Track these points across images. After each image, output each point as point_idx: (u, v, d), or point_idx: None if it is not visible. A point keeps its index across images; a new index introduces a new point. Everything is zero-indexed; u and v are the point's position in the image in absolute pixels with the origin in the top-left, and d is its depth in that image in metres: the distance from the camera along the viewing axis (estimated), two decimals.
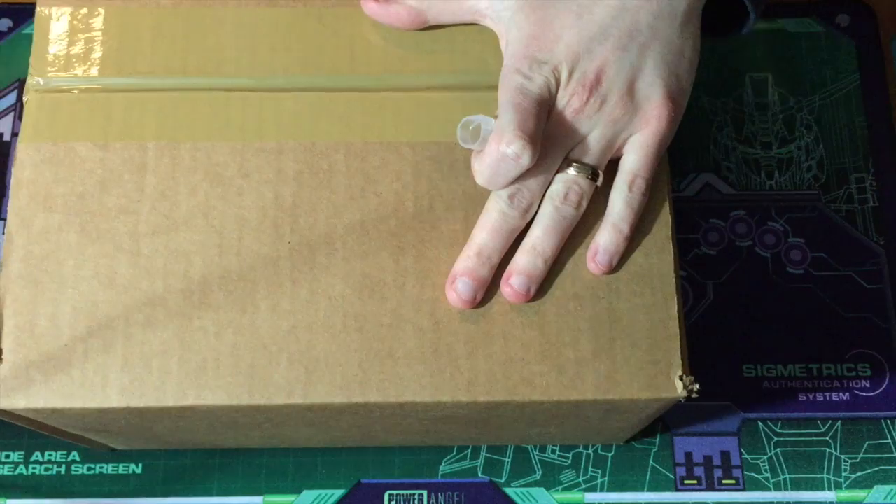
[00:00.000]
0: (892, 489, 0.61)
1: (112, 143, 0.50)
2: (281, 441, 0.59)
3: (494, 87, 0.48)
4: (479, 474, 0.62)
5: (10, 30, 0.71)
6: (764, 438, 0.63)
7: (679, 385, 0.47)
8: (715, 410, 0.63)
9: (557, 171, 0.48)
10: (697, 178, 0.68)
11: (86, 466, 0.62)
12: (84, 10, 0.52)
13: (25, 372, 0.46)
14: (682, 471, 0.62)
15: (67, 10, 0.52)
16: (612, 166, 0.49)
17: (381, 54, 0.52)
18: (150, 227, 0.48)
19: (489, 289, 0.48)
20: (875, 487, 0.62)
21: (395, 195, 0.49)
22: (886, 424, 0.63)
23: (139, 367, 0.46)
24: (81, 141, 0.50)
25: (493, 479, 0.62)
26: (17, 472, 0.62)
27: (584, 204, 0.48)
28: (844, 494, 0.61)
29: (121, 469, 0.62)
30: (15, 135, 0.69)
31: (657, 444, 0.63)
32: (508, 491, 0.62)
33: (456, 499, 0.61)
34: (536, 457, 0.62)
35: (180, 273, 0.48)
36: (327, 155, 0.50)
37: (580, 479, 0.62)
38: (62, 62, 0.51)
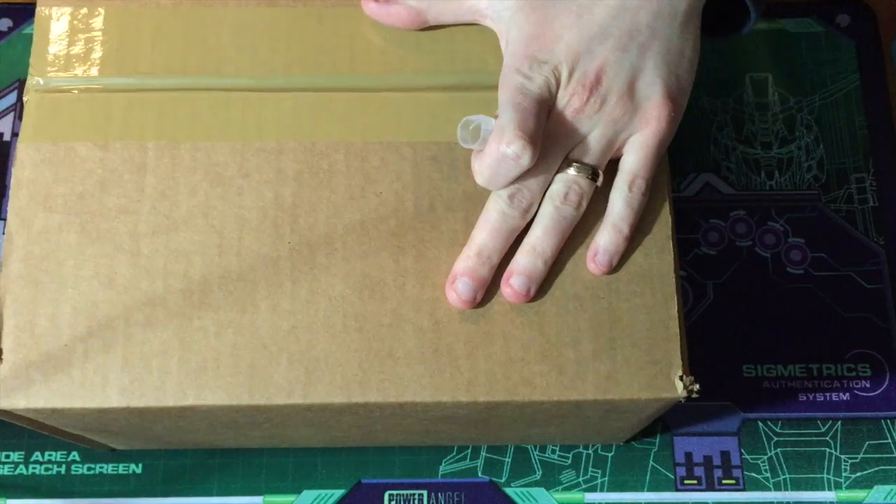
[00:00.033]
0: (892, 489, 0.61)
1: (112, 143, 0.50)
2: (281, 441, 0.59)
3: (494, 87, 0.48)
4: (479, 474, 0.62)
5: (10, 30, 0.71)
6: (764, 438, 0.63)
7: (679, 385, 0.47)
8: (715, 410, 0.63)
9: (557, 171, 0.48)
10: (697, 178, 0.68)
11: (86, 466, 0.62)
12: (84, 10, 0.52)
13: (25, 372, 0.46)
14: (682, 471, 0.62)
15: (67, 10, 0.52)
16: (612, 166, 0.49)
17: (381, 54, 0.52)
18: (150, 227, 0.48)
19: (489, 289, 0.48)
20: (875, 487, 0.62)
21: (395, 195, 0.49)
22: (886, 424, 0.63)
23: (139, 367, 0.46)
24: (81, 141, 0.50)
25: (493, 479, 0.62)
26: (17, 472, 0.62)
27: (585, 204, 0.48)
28: (844, 494, 0.61)
29: (121, 469, 0.62)
30: (15, 135, 0.69)
31: (657, 444, 0.63)
32: (508, 491, 0.62)
33: (456, 499, 0.61)
34: (536, 457, 0.62)
35: (180, 273, 0.48)
36: (327, 155, 0.50)
37: (580, 479, 0.62)
38: (62, 62, 0.51)
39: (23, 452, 0.62)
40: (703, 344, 0.64)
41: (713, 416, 0.63)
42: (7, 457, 0.62)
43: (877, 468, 0.62)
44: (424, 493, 0.61)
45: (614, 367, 0.47)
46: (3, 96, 0.70)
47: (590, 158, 0.48)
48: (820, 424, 0.63)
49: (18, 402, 0.46)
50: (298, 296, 0.47)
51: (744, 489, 0.62)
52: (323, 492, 0.61)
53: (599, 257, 0.48)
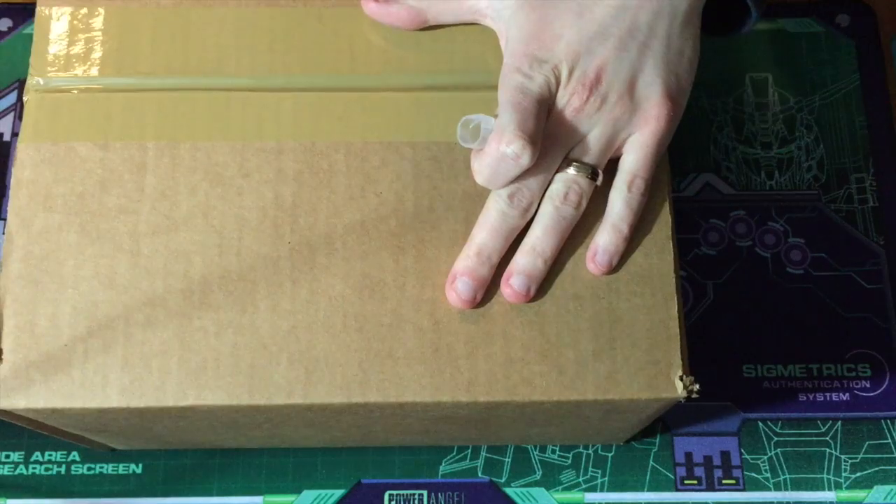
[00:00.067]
0: (892, 489, 0.61)
1: (112, 143, 0.50)
2: (281, 441, 0.59)
3: (494, 87, 0.48)
4: (479, 474, 0.62)
5: (10, 30, 0.71)
6: (764, 438, 0.63)
7: (679, 385, 0.47)
8: (715, 410, 0.63)
9: (557, 171, 0.48)
10: (697, 178, 0.68)
11: (86, 466, 0.62)
12: (84, 10, 0.52)
13: (25, 372, 0.46)
14: (682, 471, 0.62)
15: (67, 10, 0.52)
16: (612, 166, 0.49)
17: (381, 54, 0.52)
18: (150, 227, 0.48)
19: (489, 289, 0.48)
20: (875, 487, 0.62)
21: (395, 195, 0.49)
22: (886, 424, 0.63)
23: (139, 367, 0.46)
24: (81, 141, 0.50)
25: (493, 479, 0.62)
26: (17, 472, 0.62)
27: (584, 204, 0.48)
28: (844, 494, 0.61)
29: (121, 469, 0.62)
30: (15, 135, 0.69)
31: (657, 444, 0.63)
32: (508, 491, 0.62)
33: (456, 499, 0.61)
34: (536, 457, 0.62)
35: (180, 273, 0.48)
36: (327, 155, 0.50)
37: (580, 479, 0.62)
38: (62, 62, 0.51)
39: (23, 452, 0.62)
40: (703, 344, 0.64)
41: (713, 416, 0.63)
42: (7, 457, 0.62)
43: (877, 468, 0.62)
44: (424, 493, 0.61)
45: (614, 367, 0.47)
46: (3, 96, 0.70)
47: (589, 158, 0.48)
48: (820, 424, 0.63)
49: (18, 402, 0.46)
50: (298, 296, 0.47)
51: (744, 489, 0.62)
52: (323, 492, 0.61)
53: (599, 257, 0.48)
